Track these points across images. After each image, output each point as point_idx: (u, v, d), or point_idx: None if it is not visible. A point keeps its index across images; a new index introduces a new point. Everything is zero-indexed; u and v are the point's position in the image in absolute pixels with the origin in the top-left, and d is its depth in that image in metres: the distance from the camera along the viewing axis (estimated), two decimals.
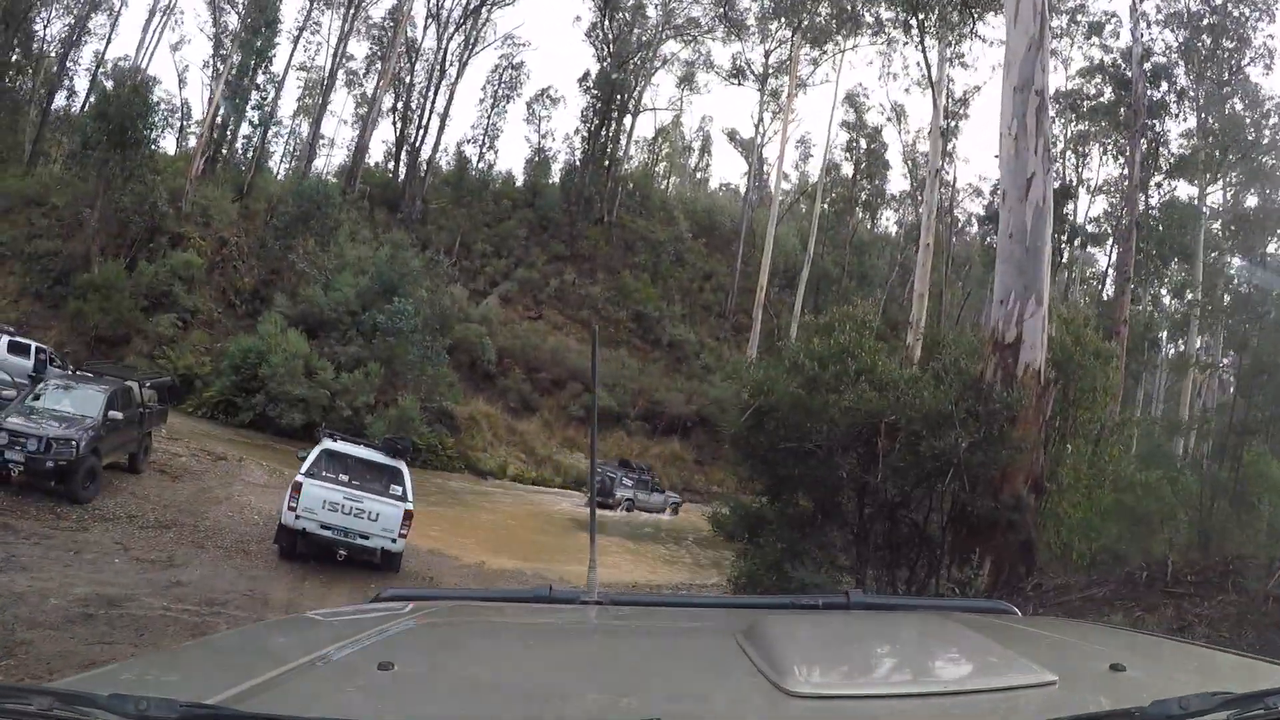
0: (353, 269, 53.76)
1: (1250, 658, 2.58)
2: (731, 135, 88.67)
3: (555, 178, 78.41)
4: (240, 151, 68.86)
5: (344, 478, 20.87)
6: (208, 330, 51.50)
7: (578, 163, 74.73)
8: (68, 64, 69.15)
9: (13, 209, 54.73)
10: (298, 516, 19.82)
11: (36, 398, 23.06)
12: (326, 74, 72.93)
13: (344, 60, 72.45)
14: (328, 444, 22.12)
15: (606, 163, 74.51)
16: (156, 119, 55.39)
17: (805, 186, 79.70)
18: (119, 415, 23.16)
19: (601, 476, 39.82)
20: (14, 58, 61.87)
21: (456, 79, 74.29)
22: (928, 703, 1.98)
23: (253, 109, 67.05)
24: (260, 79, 65.67)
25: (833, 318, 20.59)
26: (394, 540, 20.22)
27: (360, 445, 23.30)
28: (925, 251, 44.22)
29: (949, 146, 62.56)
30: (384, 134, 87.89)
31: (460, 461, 45.76)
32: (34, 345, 35.69)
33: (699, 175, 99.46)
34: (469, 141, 74.03)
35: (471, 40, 73.87)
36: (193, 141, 63.22)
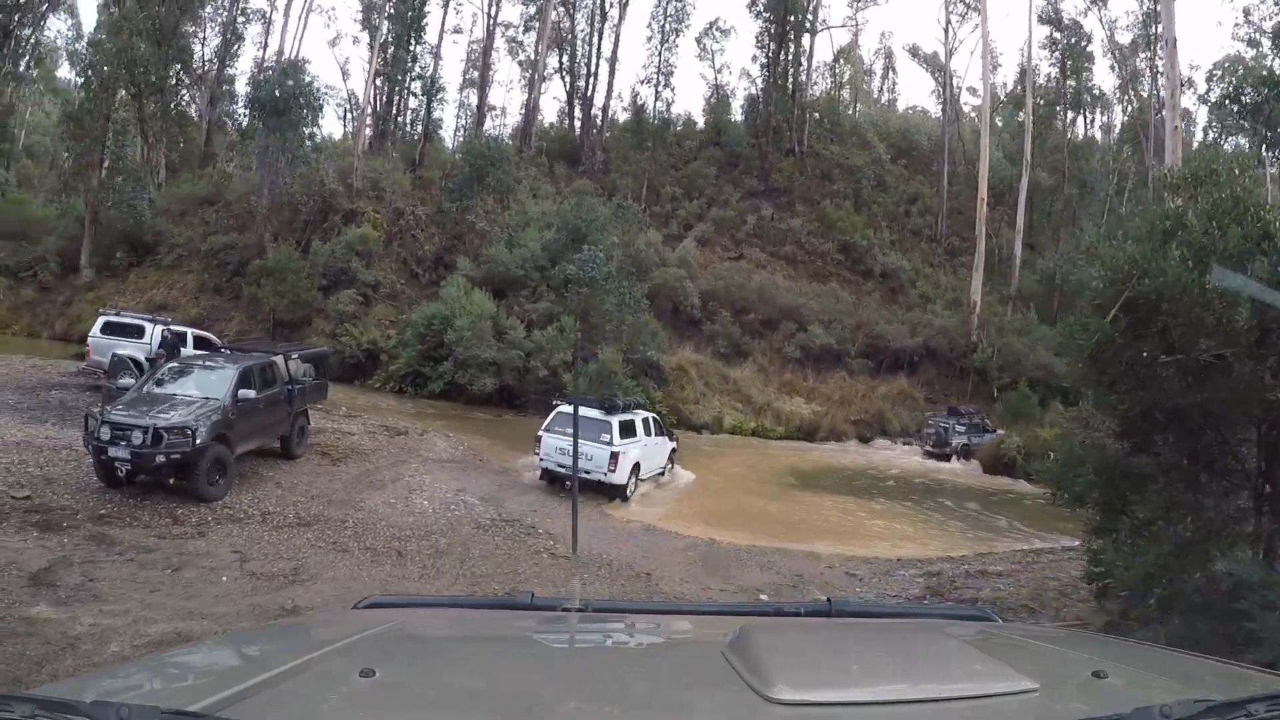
0: (537, 225, 49.19)
1: (1232, 665, 2.52)
2: (914, 51, 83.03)
3: (735, 115, 72.87)
4: (407, 125, 65.78)
5: (569, 430, 19.71)
6: (391, 303, 47.65)
7: (759, 92, 67.90)
8: (226, 71, 68.14)
9: (188, 212, 53.85)
10: (541, 459, 23.41)
11: (158, 383, 19.42)
12: (484, 39, 69.50)
13: (499, 27, 69.68)
14: (561, 407, 23.44)
15: (790, 89, 67.42)
16: (311, 97, 51.59)
17: (999, 96, 72.59)
18: (255, 395, 19.52)
19: (935, 427, 38.79)
20: (175, 73, 60.33)
21: (620, 20, 69.55)
22: (910, 710, 1.90)
23: (413, 79, 63.37)
24: (415, 47, 61.96)
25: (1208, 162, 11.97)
26: (605, 474, 22.56)
27: (579, 403, 20.99)
28: (1174, 136, 35.91)
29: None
30: (555, 91, 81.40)
31: (670, 416, 39.64)
32: (156, 323, 30.86)
33: (886, 97, 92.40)
34: (644, 82, 67.18)
35: None
36: (364, 132, 59.38)
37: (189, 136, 64.60)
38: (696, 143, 69.19)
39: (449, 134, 70.53)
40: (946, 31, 69.63)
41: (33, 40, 63.78)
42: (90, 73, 53.14)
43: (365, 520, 18.07)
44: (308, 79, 51.28)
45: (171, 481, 17.20)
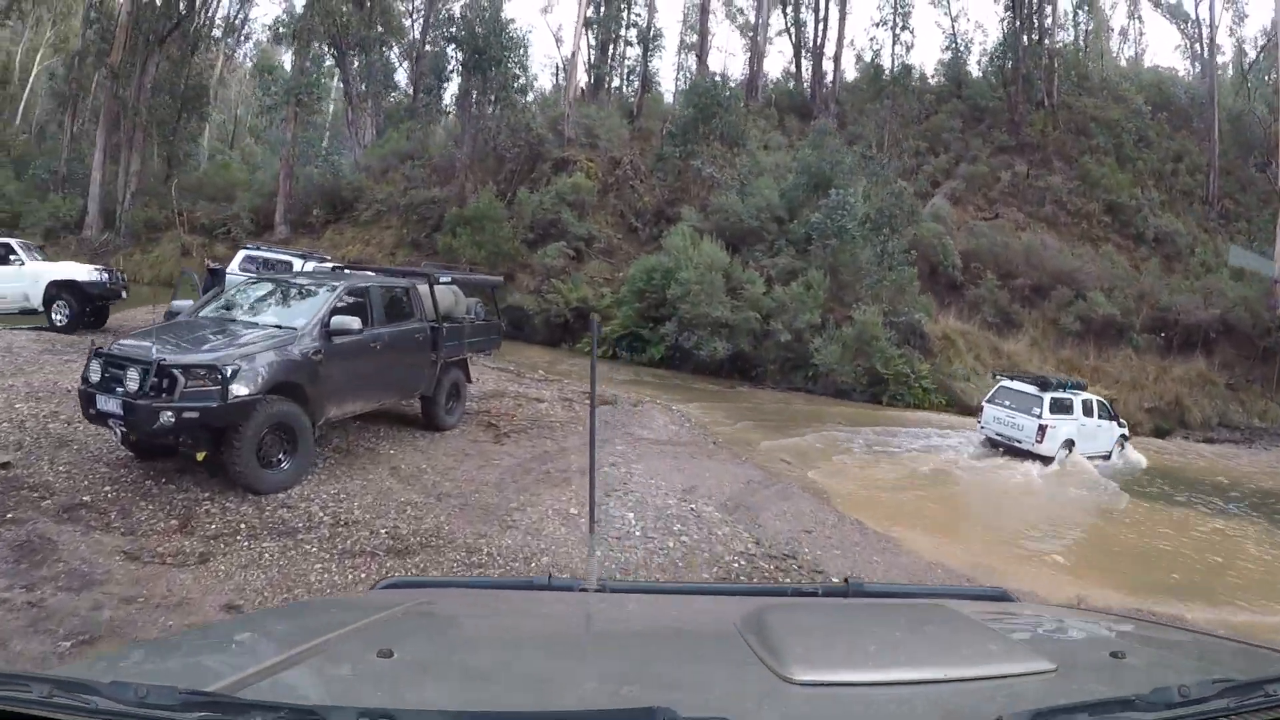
0: (771, 175, 40.57)
1: (1250, 644, 2.38)
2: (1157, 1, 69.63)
3: (973, 67, 62.72)
4: (623, 79, 57.56)
5: (1007, 403, 23.49)
6: (605, 259, 40.28)
7: (1005, 35, 56.43)
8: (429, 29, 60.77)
9: (390, 169, 47.92)
10: (982, 426, 24.25)
11: (226, 307, 12.50)
12: None
13: None
14: (1003, 381, 24.53)
15: (1037, 33, 56.88)
16: (511, 34, 44.41)
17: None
18: (360, 330, 12.05)
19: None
20: (377, 31, 53.21)
21: None
22: (927, 690, 1.83)
23: (627, 26, 55.54)
24: None
25: None
26: (1033, 443, 22.62)
27: (1015, 382, 24.26)
28: None
29: None
30: (779, 50, 71.31)
31: (939, 394, 31.36)
32: (309, 259, 24.92)
33: (1131, 50, 78.55)
34: (878, 25, 57.82)
35: None
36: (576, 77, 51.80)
37: (393, 93, 59.67)
38: (935, 96, 59.54)
39: (667, 92, 62.97)
40: None
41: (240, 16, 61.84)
42: (284, 29, 49.69)
43: (513, 550, 9.95)
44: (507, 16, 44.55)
45: (200, 457, 10.13)
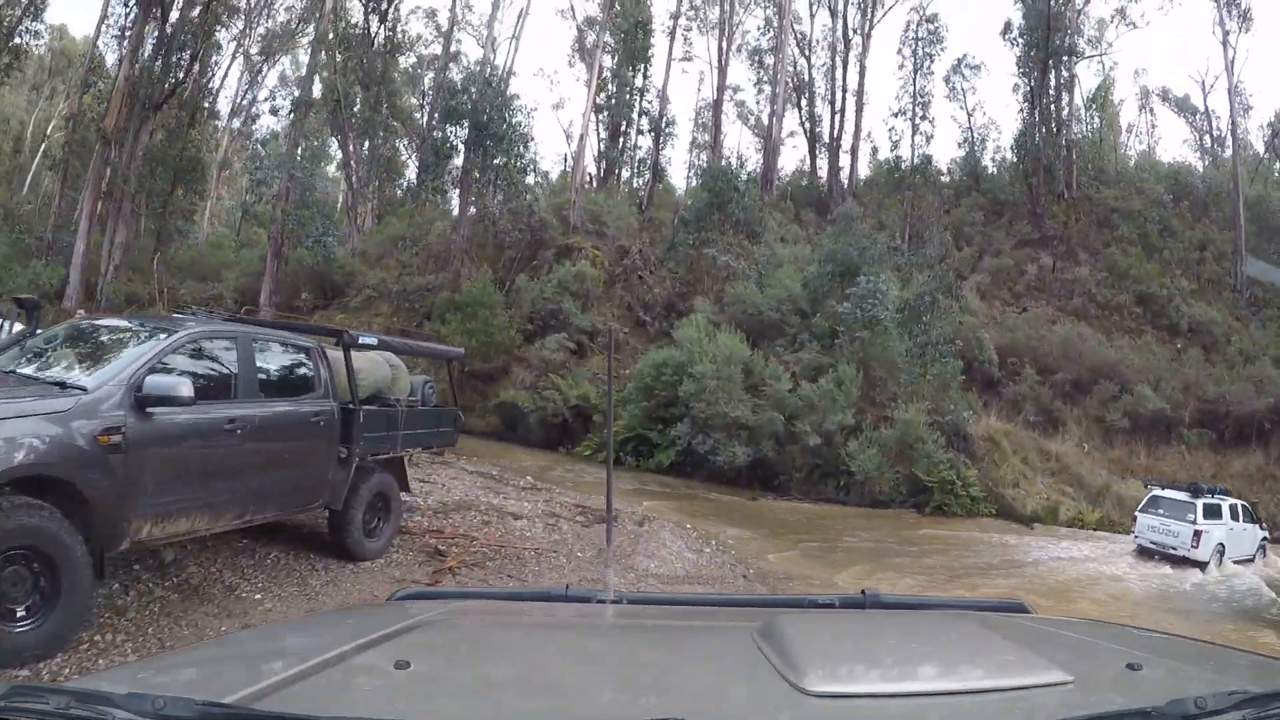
0: (791, 267, 36.62)
1: (1267, 657, 2.37)
2: (1164, 95, 68.62)
3: (988, 162, 59.51)
4: (634, 168, 54.19)
5: (1161, 511, 23.33)
6: (615, 355, 32.34)
7: (1025, 126, 52.32)
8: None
9: (386, 254, 43.68)
10: (1136, 535, 23.95)
11: (28, 353, 7.85)
12: (716, 76, 56.23)
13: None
14: (1154, 491, 24.30)
15: (1055, 124, 53.05)
16: (514, 111, 40.76)
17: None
18: (194, 402, 7.20)
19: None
20: (382, 114, 49.20)
21: (864, 51, 56.01)
22: (944, 702, 1.78)
23: (639, 114, 51.42)
24: (639, 80, 50.40)
25: None
26: (1189, 549, 22.31)
27: (1168, 490, 24.18)
28: None
29: None
30: (795, 142, 66.83)
31: (989, 503, 27.11)
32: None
33: (1144, 143, 74.52)
34: (896, 115, 52.50)
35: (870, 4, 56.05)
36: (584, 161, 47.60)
37: (397, 181, 56.37)
38: (953, 191, 56.19)
39: (679, 186, 58.42)
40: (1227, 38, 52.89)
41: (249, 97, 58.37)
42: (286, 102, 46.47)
43: None
44: (510, 91, 41.53)
45: None
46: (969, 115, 58.53)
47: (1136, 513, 24.54)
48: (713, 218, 38.00)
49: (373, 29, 46.85)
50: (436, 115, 45.34)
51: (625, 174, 53.08)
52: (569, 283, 36.53)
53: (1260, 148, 59.81)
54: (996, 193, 54.05)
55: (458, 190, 42.21)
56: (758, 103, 59.56)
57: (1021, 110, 52.59)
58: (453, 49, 52.82)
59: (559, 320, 35.54)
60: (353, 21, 46.35)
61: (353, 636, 2.13)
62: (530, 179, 41.47)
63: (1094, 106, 62.84)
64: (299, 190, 42.31)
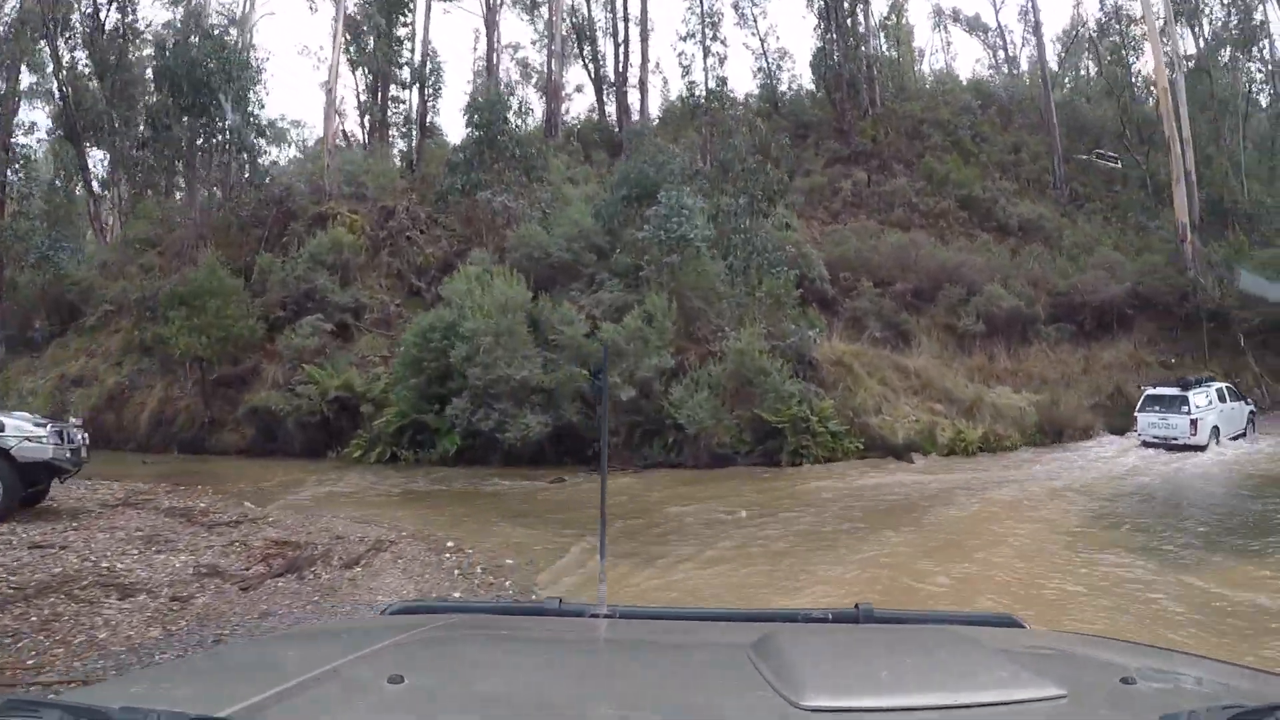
0: (583, 204, 28.95)
1: (1261, 671, 2.15)
2: (956, 16, 64.00)
3: (785, 87, 52.78)
4: (404, 127, 43.98)
5: (1157, 408, 23.62)
6: (382, 332, 27.91)
7: (825, 43, 46.56)
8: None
9: (128, 261, 34.63)
10: (1139, 433, 24.06)
11: None
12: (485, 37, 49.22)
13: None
14: (1148, 390, 24.57)
15: (853, 42, 47.35)
16: (238, 63, 32.92)
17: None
18: None
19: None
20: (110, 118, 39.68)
21: None
22: (936, 716, 1.65)
23: (401, 66, 42.37)
24: (400, 31, 41.60)
25: None
26: (1188, 438, 22.69)
27: (1158, 388, 24.50)
28: None
29: None
30: (579, 84, 59.27)
31: (852, 438, 19.50)
32: None
33: (940, 63, 69.05)
34: (685, 39, 45.17)
35: None
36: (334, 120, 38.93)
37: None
38: (754, 116, 47.46)
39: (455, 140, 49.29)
40: None
41: None
42: None
43: None
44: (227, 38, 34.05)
45: None
46: (762, 41, 52.39)
47: (1136, 413, 24.73)
48: (484, 157, 30.28)
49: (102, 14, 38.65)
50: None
51: (396, 136, 44.68)
52: (322, 255, 28.67)
53: (1054, 62, 57.28)
54: (799, 115, 48.59)
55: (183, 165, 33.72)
56: (540, 54, 52.51)
57: (818, 27, 47.32)
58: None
59: (316, 301, 27.82)
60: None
61: (346, 650, 2.02)
62: (271, 146, 34.29)
63: (889, 28, 59.34)
64: (17, 199, 33.95)
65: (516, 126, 33.10)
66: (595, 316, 22.61)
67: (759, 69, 52.21)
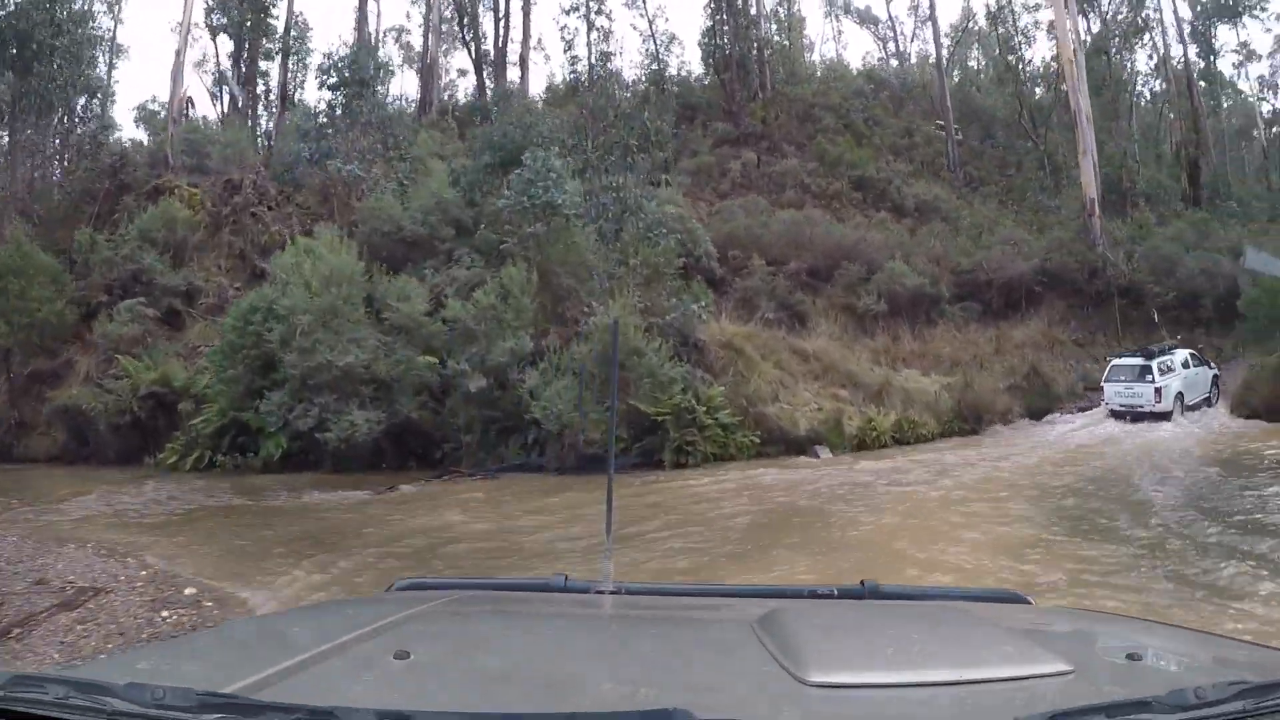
0: (448, 177, 24.51)
1: (1267, 647, 2.08)
2: (847, 7, 62.47)
3: (674, 70, 49.27)
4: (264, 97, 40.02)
5: (1122, 377, 23.07)
6: (219, 319, 22.27)
7: (714, 23, 43.32)
8: None
9: None
10: (1107, 402, 23.49)
11: None
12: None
13: None
14: (1113, 361, 23.98)
15: (744, 23, 44.47)
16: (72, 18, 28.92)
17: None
18: None
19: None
20: None
21: None
22: (944, 692, 1.63)
23: (265, 35, 37.55)
24: None
25: None
26: (1153, 405, 22.31)
27: (1123, 358, 23.98)
28: None
29: None
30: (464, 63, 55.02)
31: (747, 432, 15.72)
32: None
33: (832, 52, 65.91)
34: (569, 12, 40.98)
35: None
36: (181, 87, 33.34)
37: None
38: (641, 96, 43.92)
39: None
40: None
41: None
42: None
43: None
44: None
45: None
46: (650, 23, 48.99)
47: (1102, 383, 24.15)
48: (339, 122, 26.11)
49: None
50: None
51: (262, 111, 40.22)
52: (153, 232, 24.19)
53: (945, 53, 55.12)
54: (687, 97, 45.25)
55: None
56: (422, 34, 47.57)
57: (709, 6, 43.89)
58: None
59: (144, 284, 23.36)
60: None
61: (352, 626, 1.94)
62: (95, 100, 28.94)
63: (780, 20, 56.05)
64: None
65: (379, 93, 29.01)
66: (446, 295, 18.71)
67: (647, 50, 48.45)
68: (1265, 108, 52.09)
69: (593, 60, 39.81)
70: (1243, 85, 51.51)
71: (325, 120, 26.74)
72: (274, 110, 37.31)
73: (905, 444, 19.54)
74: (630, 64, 58.53)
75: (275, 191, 27.30)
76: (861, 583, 2.48)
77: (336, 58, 27.68)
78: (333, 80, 26.69)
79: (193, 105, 33.34)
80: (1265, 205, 37.78)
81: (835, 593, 2.49)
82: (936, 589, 2.82)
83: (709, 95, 44.41)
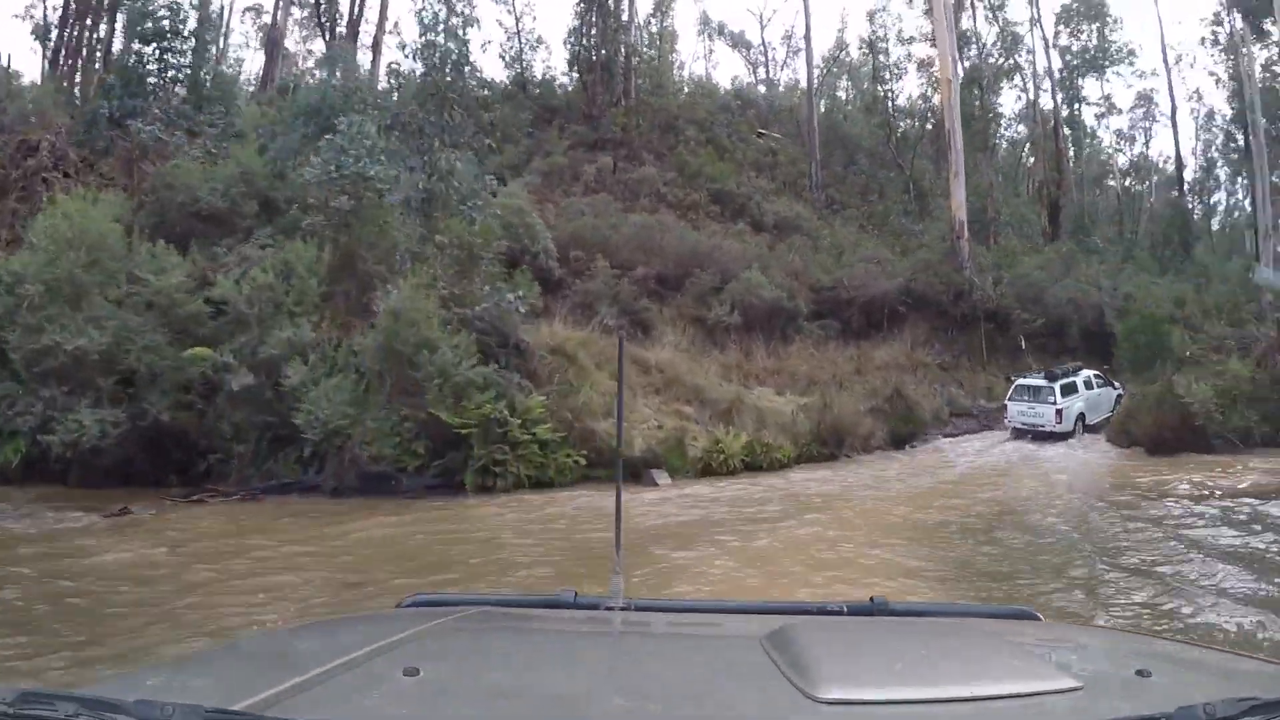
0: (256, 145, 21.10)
1: (1276, 663, 2.03)
2: (721, 29, 59.70)
3: (539, 72, 47.41)
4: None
5: (1026, 397, 23.07)
6: None
7: (580, 23, 40.81)
8: None
9: None
10: (1009, 420, 23.50)
11: None
12: None
13: None
14: (1017, 381, 23.97)
15: (612, 24, 41.29)
16: None
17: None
18: None
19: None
20: None
21: None
22: (954, 709, 1.56)
23: None
24: None
25: None
26: (1053, 426, 22.36)
27: (1027, 378, 23.94)
28: None
29: None
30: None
31: (570, 451, 12.56)
32: None
33: (702, 69, 62.22)
34: None
35: None
36: None
37: None
38: (500, 93, 42.78)
39: None
40: None
41: None
42: None
43: None
44: None
45: None
46: (517, 21, 46.31)
47: (1006, 401, 24.12)
48: (141, 76, 22.51)
49: None
50: None
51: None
52: None
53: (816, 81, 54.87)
54: (548, 99, 43.09)
55: None
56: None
57: (578, 5, 41.10)
58: None
59: None
60: None
61: (361, 643, 1.83)
62: None
63: (652, 33, 52.82)
64: None
65: (209, 54, 25.53)
66: (217, 274, 15.34)
67: (511, 46, 46.43)
68: (1121, 159, 53.82)
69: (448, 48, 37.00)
70: (1103, 134, 53.06)
71: (134, 76, 23.09)
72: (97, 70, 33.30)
73: (758, 469, 16.83)
74: (492, 58, 56.37)
75: (77, 157, 23.54)
76: (871, 599, 2.38)
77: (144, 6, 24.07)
78: (142, 29, 23.11)
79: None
80: (1118, 248, 38.74)
81: (845, 609, 2.37)
82: (947, 605, 2.93)
83: (571, 98, 41.97)
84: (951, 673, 1.73)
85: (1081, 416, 23.35)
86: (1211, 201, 51.46)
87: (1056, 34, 48.31)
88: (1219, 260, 37.58)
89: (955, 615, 2.53)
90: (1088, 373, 24.65)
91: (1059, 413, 22.54)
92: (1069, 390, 23.32)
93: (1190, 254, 38.64)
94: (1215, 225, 50.36)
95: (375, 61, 40.21)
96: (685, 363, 20.24)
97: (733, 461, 16.61)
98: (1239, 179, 47.03)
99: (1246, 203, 49.82)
